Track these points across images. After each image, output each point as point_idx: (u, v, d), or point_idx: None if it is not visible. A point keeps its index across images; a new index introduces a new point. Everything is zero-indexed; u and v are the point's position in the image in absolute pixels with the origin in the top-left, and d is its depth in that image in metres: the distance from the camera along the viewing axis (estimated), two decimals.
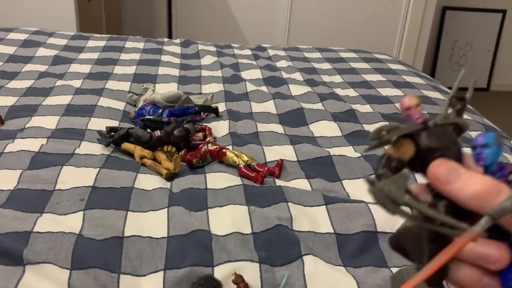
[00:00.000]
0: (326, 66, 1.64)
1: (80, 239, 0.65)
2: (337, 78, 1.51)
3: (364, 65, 1.66)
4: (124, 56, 1.55)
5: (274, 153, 0.96)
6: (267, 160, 0.93)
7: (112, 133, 0.96)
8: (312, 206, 0.76)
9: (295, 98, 1.28)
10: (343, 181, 0.88)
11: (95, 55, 1.53)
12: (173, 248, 0.66)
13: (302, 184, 0.85)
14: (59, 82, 1.26)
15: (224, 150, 0.91)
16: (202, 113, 1.12)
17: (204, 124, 1.07)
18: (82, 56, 1.53)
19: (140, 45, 1.70)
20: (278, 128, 1.09)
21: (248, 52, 1.75)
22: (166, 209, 0.74)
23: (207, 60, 1.59)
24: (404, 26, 3.06)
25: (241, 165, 0.87)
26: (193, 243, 0.66)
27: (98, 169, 0.83)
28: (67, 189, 0.77)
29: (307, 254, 0.66)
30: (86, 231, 0.67)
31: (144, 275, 0.62)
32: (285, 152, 0.96)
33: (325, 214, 0.75)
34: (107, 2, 2.61)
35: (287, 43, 3.07)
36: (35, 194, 0.75)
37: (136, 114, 1.09)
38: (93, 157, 0.88)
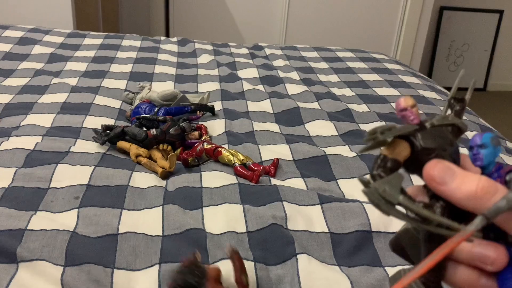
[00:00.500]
0: (323, 65, 1.64)
1: (74, 236, 0.65)
2: (334, 78, 1.51)
3: (361, 65, 1.66)
4: (120, 54, 1.55)
5: (269, 152, 0.96)
6: (263, 159, 0.93)
7: (108, 131, 0.95)
8: (307, 205, 0.76)
9: (291, 97, 1.28)
10: (338, 181, 0.88)
11: (91, 53, 1.53)
12: (168, 245, 0.66)
13: (298, 183, 0.85)
14: (55, 80, 1.26)
15: (219, 149, 0.91)
16: (198, 111, 1.12)
17: (200, 122, 1.07)
18: (79, 54, 1.52)
19: (137, 43, 1.69)
20: (274, 127, 1.09)
21: (245, 51, 1.75)
22: (161, 207, 0.74)
23: (204, 58, 1.59)
24: (401, 25, 3.06)
25: (237, 164, 0.87)
26: (187, 241, 0.66)
27: (93, 167, 0.83)
28: (62, 187, 0.77)
29: (302, 253, 0.66)
30: (80, 229, 0.67)
31: (139, 270, 0.62)
32: (281, 151, 0.96)
33: (320, 213, 0.75)
34: (104, 0, 2.60)
35: (284, 42, 3.07)
36: (29, 192, 0.75)
37: (132, 112, 1.09)
38: (88, 155, 0.88)
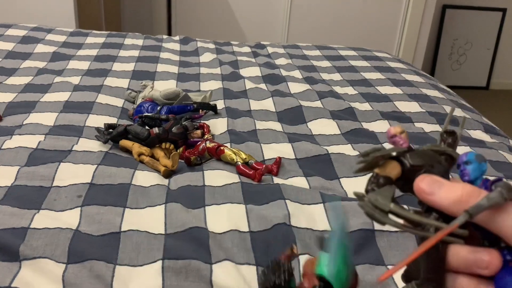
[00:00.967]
0: (325, 64, 1.64)
1: (77, 234, 0.65)
2: (336, 76, 1.51)
3: (364, 63, 1.66)
4: (123, 53, 1.55)
5: (272, 150, 0.96)
6: (265, 158, 0.93)
7: (110, 130, 0.95)
8: (309, 204, 0.76)
9: (294, 96, 1.28)
10: (341, 179, 0.88)
11: (94, 52, 1.53)
12: (171, 243, 0.66)
13: (300, 182, 0.85)
14: (58, 79, 1.26)
15: (222, 148, 0.91)
16: (200, 110, 1.12)
17: (202, 121, 1.07)
18: (81, 52, 1.52)
19: (139, 42, 1.69)
20: (277, 126, 1.09)
21: (247, 49, 1.75)
22: (163, 205, 0.74)
23: (206, 57, 1.59)
24: (404, 24, 3.05)
25: (239, 163, 0.87)
26: (190, 240, 0.66)
27: (96, 165, 0.83)
28: (65, 186, 0.77)
29: (304, 253, 0.66)
30: (83, 227, 0.67)
31: (141, 265, 0.62)
32: (283, 150, 0.96)
33: (322, 212, 0.75)
34: None
35: (287, 40, 3.07)
36: (32, 191, 0.75)
37: (135, 111, 1.09)
38: (91, 153, 0.88)
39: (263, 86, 1.35)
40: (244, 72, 1.47)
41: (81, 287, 0.58)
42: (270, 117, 1.14)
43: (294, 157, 0.94)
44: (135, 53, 1.56)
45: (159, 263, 0.62)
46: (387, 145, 0.31)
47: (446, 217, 0.29)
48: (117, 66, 1.42)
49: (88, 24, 2.32)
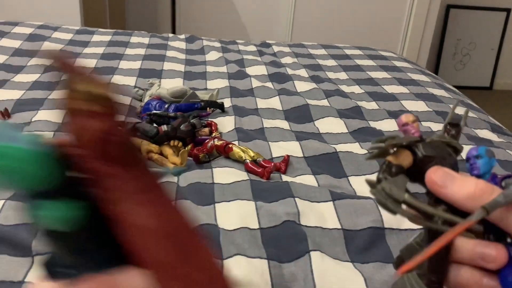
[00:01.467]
0: (331, 62, 1.64)
1: None
2: (343, 75, 1.51)
3: (369, 62, 1.66)
4: (129, 51, 1.55)
5: (280, 149, 0.96)
6: (273, 156, 0.93)
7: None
8: (319, 202, 0.76)
9: (300, 94, 1.28)
10: (349, 178, 0.88)
11: (100, 50, 1.53)
12: None
13: (309, 180, 0.85)
14: (65, 77, 1.26)
15: (230, 145, 0.91)
16: (208, 108, 1.12)
17: (210, 119, 1.07)
18: (87, 50, 1.53)
19: (145, 40, 1.70)
20: (284, 124, 1.09)
21: (253, 48, 1.75)
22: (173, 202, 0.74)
23: (212, 56, 1.59)
24: (408, 24, 3.05)
25: (248, 161, 0.87)
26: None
27: None
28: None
29: (315, 250, 0.66)
30: None
31: None
32: (291, 148, 0.96)
33: (332, 210, 0.75)
34: None
35: (291, 39, 3.07)
36: None
37: (142, 109, 1.09)
38: None
39: (269, 84, 1.35)
40: (250, 70, 1.47)
41: None
42: (277, 116, 1.14)
43: (302, 155, 0.94)
44: (141, 51, 1.56)
45: None
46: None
47: (454, 209, 0.29)
48: (123, 64, 1.42)
49: (93, 22, 2.32)
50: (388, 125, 1.12)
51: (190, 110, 1.10)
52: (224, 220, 0.71)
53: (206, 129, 1.01)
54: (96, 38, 1.66)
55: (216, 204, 0.75)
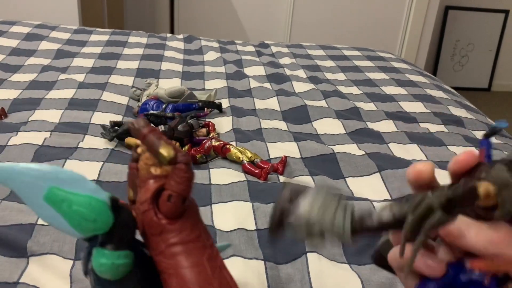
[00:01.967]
0: (330, 63, 1.64)
1: None
2: (341, 76, 1.51)
3: (368, 63, 1.66)
4: (127, 51, 1.55)
5: (277, 149, 0.95)
6: (271, 157, 0.93)
7: (116, 127, 0.95)
8: None
9: (298, 95, 1.28)
10: (346, 179, 0.88)
11: (98, 50, 1.53)
12: None
13: (306, 181, 0.85)
14: (62, 76, 1.26)
15: (228, 146, 0.90)
16: (205, 109, 1.12)
17: (207, 120, 1.07)
18: (85, 50, 1.52)
19: (143, 40, 1.69)
20: (282, 125, 1.09)
21: (251, 48, 1.75)
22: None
23: (210, 56, 1.59)
24: (407, 25, 3.05)
25: (245, 161, 0.87)
26: None
27: (102, 163, 0.83)
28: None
29: (311, 251, 0.66)
30: None
31: None
32: (289, 149, 0.96)
33: None
34: None
35: (289, 39, 3.07)
36: None
37: (140, 109, 1.09)
38: (97, 151, 0.88)
39: (267, 85, 1.34)
40: (248, 71, 1.47)
41: (88, 283, 0.58)
42: (275, 116, 1.14)
43: (299, 156, 0.94)
44: (139, 51, 1.56)
45: None
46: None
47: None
48: (121, 64, 1.42)
49: (91, 21, 2.32)
50: (386, 126, 1.12)
51: (188, 110, 1.10)
52: (221, 221, 0.71)
53: (204, 130, 1.01)
54: (94, 37, 1.66)
55: (213, 205, 0.75)
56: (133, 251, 0.35)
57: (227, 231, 0.69)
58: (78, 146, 0.89)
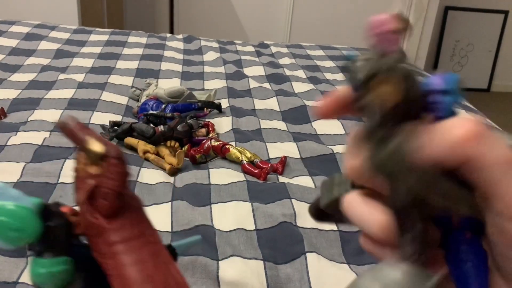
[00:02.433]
0: (329, 63, 1.64)
1: None
2: (340, 76, 1.51)
3: None
4: (126, 51, 1.55)
5: (277, 150, 0.95)
6: (270, 157, 0.93)
7: (115, 127, 0.95)
8: None
9: (298, 95, 1.28)
10: None
11: (97, 49, 1.53)
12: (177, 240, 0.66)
13: (305, 181, 0.85)
14: (62, 76, 1.26)
15: (227, 146, 0.90)
16: (205, 109, 1.12)
17: (207, 120, 1.07)
18: (85, 50, 1.52)
19: (143, 40, 1.69)
20: (281, 125, 1.09)
21: (251, 48, 1.75)
22: (169, 203, 0.74)
23: (210, 56, 1.59)
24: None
25: (244, 162, 0.87)
26: None
27: None
28: (71, 183, 0.77)
29: (311, 251, 0.66)
30: None
31: None
32: (288, 149, 0.96)
33: None
34: None
35: (289, 39, 3.07)
36: (38, 187, 0.75)
37: (139, 109, 1.09)
38: None
39: (267, 85, 1.34)
40: (248, 71, 1.47)
41: None
42: (274, 116, 1.14)
43: (299, 157, 0.94)
44: (139, 51, 1.56)
45: None
46: None
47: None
48: (121, 64, 1.42)
49: (91, 21, 2.32)
50: None
51: (187, 110, 1.10)
52: (221, 221, 0.71)
53: (203, 130, 1.01)
54: (93, 37, 1.66)
55: (212, 205, 0.75)
56: (76, 256, 0.33)
57: (227, 231, 0.69)
58: None
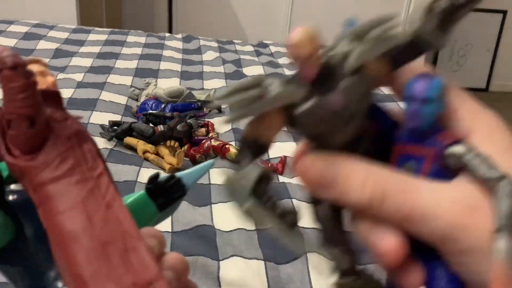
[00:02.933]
0: None
1: None
2: None
3: None
4: (125, 50, 1.54)
5: (277, 149, 0.95)
6: (270, 157, 0.93)
7: (115, 127, 0.95)
8: None
9: None
10: None
11: (96, 49, 1.52)
12: (178, 241, 0.65)
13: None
14: (61, 75, 1.25)
15: (227, 146, 0.90)
16: (204, 108, 1.11)
17: (206, 119, 1.07)
18: (84, 49, 1.52)
19: (142, 39, 1.69)
20: None
21: (250, 48, 1.75)
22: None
23: (209, 55, 1.59)
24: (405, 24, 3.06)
25: None
26: (197, 238, 0.66)
27: None
28: None
29: (312, 251, 0.66)
30: None
31: None
32: (288, 149, 0.96)
33: None
34: None
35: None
36: None
37: (139, 108, 1.08)
38: None
39: None
40: (247, 70, 1.46)
41: None
42: None
43: None
44: (138, 50, 1.55)
45: None
46: None
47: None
48: (120, 64, 1.41)
49: (89, 20, 2.31)
50: None
51: (187, 110, 1.10)
52: (221, 221, 0.71)
53: (203, 129, 1.00)
54: (92, 37, 1.65)
55: (212, 205, 0.75)
56: (19, 207, 0.28)
57: (227, 231, 0.68)
58: None
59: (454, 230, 0.18)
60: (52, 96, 0.26)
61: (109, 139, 0.92)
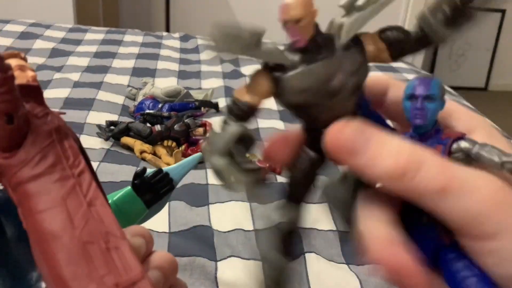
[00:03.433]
0: None
1: None
2: None
3: None
4: (122, 50, 1.53)
5: None
6: None
7: (112, 127, 0.94)
8: (314, 203, 0.76)
9: None
10: None
11: (93, 48, 1.51)
12: (176, 241, 0.65)
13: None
14: (57, 75, 1.25)
15: None
16: (202, 108, 1.11)
17: (204, 119, 1.06)
18: (80, 49, 1.51)
19: (139, 38, 1.68)
20: (279, 124, 1.08)
21: None
22: (167, 203, 0.73)
23: (207, 55, 1.58)
24: (404, 24, 3.05)
25: None
26: (195, 238, 0.66)
27: (98, 163, 0.82)
28: None
29: (310, 251, 0.66)
30: None
31: None
32: None
33: (327, 210, 0.74)
34: None
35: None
36: None
37: (136, 108, 1.08)
38: (93, 151, 0.87)
39: None
40: (245, 70, 1.46)
41: None
42: (272, 116, 1.13)
43: None
44: (135, 50, 1.55)
45: None
46: None
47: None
48: (117, 63, 1.40)
49: (86, 19, 2.30)
50: None
51: (184, 109, 1.09)
52: (219, 222, 0.70)
53: (200, 129, 1.00)
54: (89, 36, 1.65)
55: (210, 205, 0.74)
56: None
57: (225, 232, 0.68)
58: None
59: (492, 207, 0.17)
60: (32, 91, 0.25)
61: (106, 139, 0.92)
